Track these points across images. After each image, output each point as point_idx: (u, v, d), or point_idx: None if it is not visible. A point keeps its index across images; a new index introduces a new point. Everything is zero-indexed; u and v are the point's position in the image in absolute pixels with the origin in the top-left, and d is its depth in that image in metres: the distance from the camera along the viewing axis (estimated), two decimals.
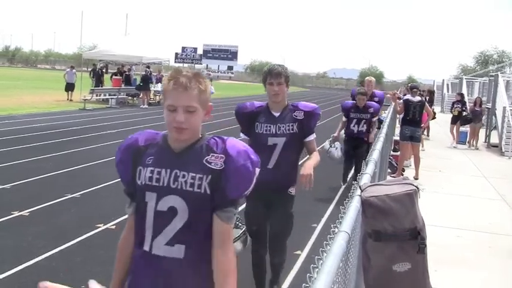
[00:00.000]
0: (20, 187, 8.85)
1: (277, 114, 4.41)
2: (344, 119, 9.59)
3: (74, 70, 29.22)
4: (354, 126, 9.35)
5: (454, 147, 17.81)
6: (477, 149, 17.93)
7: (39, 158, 11.46)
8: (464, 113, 18.36)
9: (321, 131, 6.91)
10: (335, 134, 9.49)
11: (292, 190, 4.55)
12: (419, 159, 11.80)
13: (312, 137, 4.45)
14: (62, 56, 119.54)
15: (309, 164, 4.19)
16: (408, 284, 2.77)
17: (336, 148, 9.09)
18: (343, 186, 9.96)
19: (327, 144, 9.26)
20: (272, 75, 4.32)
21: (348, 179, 10.02)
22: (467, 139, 18.50)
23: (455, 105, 18.86)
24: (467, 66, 71.19)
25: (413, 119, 11.57)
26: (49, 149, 12.62)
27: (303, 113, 4.39)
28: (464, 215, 8.71)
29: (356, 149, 9.31)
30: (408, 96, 11.98)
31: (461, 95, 20.59)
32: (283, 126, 4.37)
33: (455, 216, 8.57)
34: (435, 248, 5.56)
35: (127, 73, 30.05)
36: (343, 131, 9.72)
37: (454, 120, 18.53)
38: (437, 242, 6.35)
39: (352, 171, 9.84)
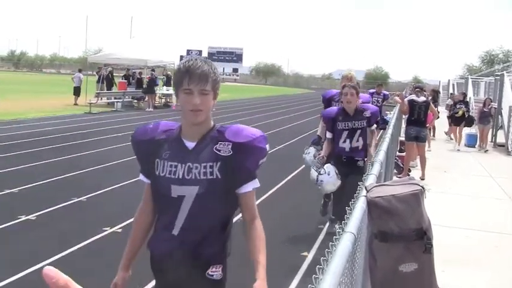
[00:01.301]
0: (26, 191, 8.88)
1: (191, 145, 2.50)
2: (329, 135, 6.64)
3: (81, 74, 29.29)
4: (344, 141, 6.49)
5: (458, 150, 16.90)
6: (486, 151, 17.02)
7: (45, 162, 11.50)
8: (466, 114, 17.52)
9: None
10: (322, 154, 6.68)
11: (215, 273, 2.59)
12: (425, 160, 11.78)
13: (250, 186, 2.54)
14: (67, 60, 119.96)
15: (260, 276, 2.46)
16: (415, 285, 2.77)
17: (329, 174, 6.25)
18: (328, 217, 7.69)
19: (313, 173, 6.38)
20: (192, 77, 2.41)
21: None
22: (478, 142, 17.58)
23: (457, 106, 17.78)
24: (473, 66, 71.04)
25: (418, 119, 11.55)
26: (55, 153, 12.66)
27: (230, 146, 2.47)
28: (471, 215, 8.69)
29: (348, 175, 6.20)
30: (413, 97, 11.97)
31: (464, 94, 20.10)
32: (196, 168, 2.47)
33: (462, 216, 8.55)
34: (442, 248, 5.54)
35: (138, 77, 30.02)
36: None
37: (457, 122, 17.61)
38: (444, 242, 6.34)
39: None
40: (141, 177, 2.68)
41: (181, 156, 2.50)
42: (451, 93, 22.71)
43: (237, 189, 2.51)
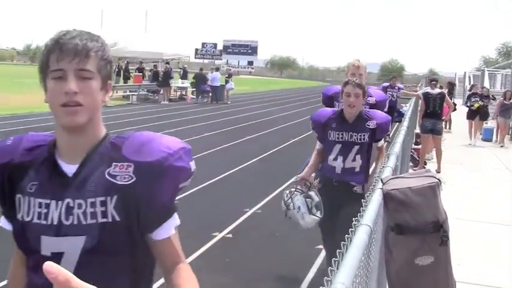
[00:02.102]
0: None
1: (71, 170, 1.57)
2: (318, 145, 4.88)
3: None
4: (336, 158, 4.68)
5: (470, 144, 16.13)
6: (502, 146, 16.36)
7: None
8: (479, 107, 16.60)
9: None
10: (301, 174, 4.91)
11: None
12: (441, 152, 11.70)
13: (169, 228, 1.64)
14: None
15: None
16: (431, 277, 2.75)
17: (299, 210, 4.59)
18: None
19: (283, 206, 4.70)
20: (64, 51, 1.52)
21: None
22: (497, 135, 17.00)
23: (472, 99, 16.80)
24: (490, 58, 70.47)
25: (434, 112, 11.48)
26: None
27: (132, 169, 1.57)
28: (487, 208, 8.62)
29: (341, 205, 4.51)
30: (428, 89, 11.90)
31: (474, 86, 19.57)
32: (80, 207, 1.54)
33: (479, 209, 8.48)
34: (458, 241, 5.51)
35: (155, 70, 30.10)
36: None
37: (472, 115, 16.59)
38: (460, 235, 6.29)
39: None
40: (2, 222, 1.69)
41: (56, 188, 1.55)
42: (473, 85, 21.16)
43: (149, 234, 1.60)
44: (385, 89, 14.97)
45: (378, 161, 4.76)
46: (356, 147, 4.64)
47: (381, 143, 4.81)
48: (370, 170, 4.93)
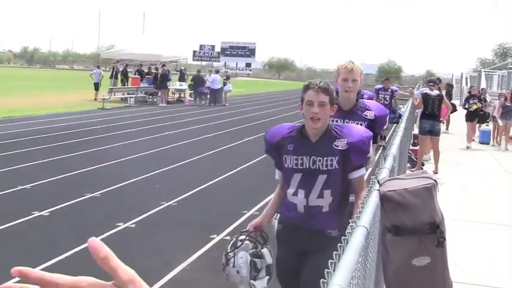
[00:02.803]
0: (39, 187, 8.93)
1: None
2: (277, 174, 3.61)
3: (99, 70, 29.40)
4: (296, 193, 3.42)
5: (468, 147, 15.61)
6: (507, 149, 15.71)
7: (58, 157, 11.55)
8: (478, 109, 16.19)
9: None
10: (254, 222, 3.73)
11: None
12: (438, 154, 11.72)
13: None
14: (80, 56, 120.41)
15: None
16: (428, 278, 2.75)
17: (238, 271, 3.41)
18: None
19: (223, 257, 3.53)
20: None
21: None
22: (494, 137, 16.51)
23: (471, 101, 16.34)
24: (486, 59, 70.59)
25: (432, 113, 11.52)
26: (68, 148, 12.72)
27: None
28: (484, 209, 8.63)
29: (307, 254, 3.41)
30: (426, 90, 11.92)
31: (472, 88, 18.66)
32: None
33: (476, 210, 8.49)
34: (455, 242, 5.51)
35: (155, 72, 30.04)
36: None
37: (471, 117, 16.15)
38: (457, 236, 6.30)
39: None
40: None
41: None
42: (471, 86, 20.39)
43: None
44: (377, 92, 14.49)
45: (357, 200, 3.40)
46: (322, 177, 3.34)
47: (360, 172, 3.43)
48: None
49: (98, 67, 30.12)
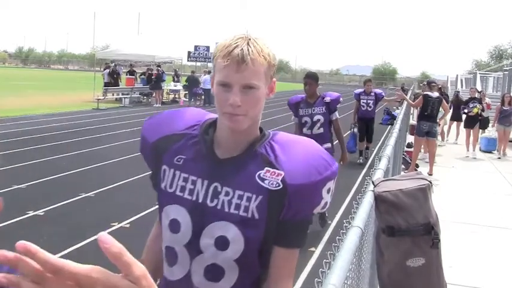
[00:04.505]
0: (34, 187, 8.91)
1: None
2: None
3: (108, 70, 29.23)
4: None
5: (474, 158, 14.31)
6: (505, 155, 14.88)
7: (53, 157, 11.53)
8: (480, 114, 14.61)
9: None
10: None
11: None
12: (434, 156, 11.69)
13: None
14: (75, 56, 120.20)
15: None
16: (422, 279, 2.76)
17: None
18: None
19: None
20: None
21: None
22: (497, 146, 15.21)
23: (471, 104, 14.67)
24: (482, 61, 70.76)
25: (431, 114, 11.35)
26: (63, 148, 12.69)
27: None
28: (479, 211, 8.65)
29: None
30: (427, 92, 11.83)
31: (472, 89, 16.35)
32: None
33: (470, 212, 8.52)
34: (449, 244, 5.53)
35: (150, 72, 29.87)
36: None
37: (471, 123, 14.62)
38: (451, 237, 6.32)
39: None
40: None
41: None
42: (471, 88, 17.55)
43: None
44: (357, 97, 12.75)
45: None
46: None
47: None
48: None
49: (109, 67, 29.97)
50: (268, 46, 1.62)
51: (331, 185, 1.64)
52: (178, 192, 1.65)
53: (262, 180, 1.57)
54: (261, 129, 1.70)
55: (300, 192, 1.55)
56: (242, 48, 1.54)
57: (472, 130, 14.61)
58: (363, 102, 12.59)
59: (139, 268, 0.68)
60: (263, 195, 1.56)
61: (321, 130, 6.90)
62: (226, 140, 1.65)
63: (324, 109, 6.94)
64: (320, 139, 5.94)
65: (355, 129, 12.74)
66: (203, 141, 1.68)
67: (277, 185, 1.56)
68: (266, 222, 1.56)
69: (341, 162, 6.98)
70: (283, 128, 19.77)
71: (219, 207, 1.59)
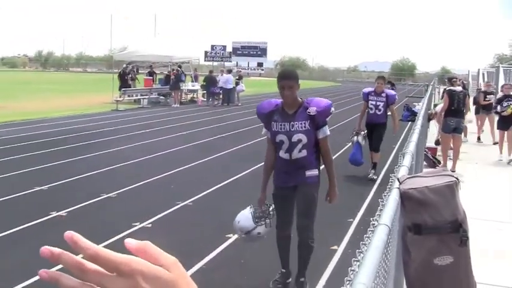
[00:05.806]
0: (56, 188, 8.97)
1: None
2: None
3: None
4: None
5: (501, 160, 12.65)
6: None
7: (74, 159, 11.60)
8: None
9: None
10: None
11: None
12: (459, 152, 11.49)
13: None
14: (93, 58, 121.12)
15: None
16: (451, 278, 2.72)
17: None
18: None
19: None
20: None
21: None
22: None
23: (505, 103, 12.62)
24: (504, 55, 69.91)
25: (458, 109, 11.11)
26: (84, 150, 12.76)
27: None
28: (504, 208, 8.54)
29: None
30: (450, 87, 11.67)
31: (505, 86, 14.10)
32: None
33: (496, 209, 8.41)
34: (476, 241, 5.45)
35: (167, 73, 29.86)
36: None
37: (505, 124, 12.60)
38: (477, 235, 6.23)
39: None
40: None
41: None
42: (504, 84, 15.27)
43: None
44: (366, 98, 10.50)
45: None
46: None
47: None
48: None
49: (126, 68, 30.04)
50: None
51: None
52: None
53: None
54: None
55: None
56: None
57: (506, 132, 12.60)
58: (371, 104, 10.31)
59: (169, 257, 0.67)
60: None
61: (303, 153, 4.95)
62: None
63: (307, 124, 4.93)
64: (301, 166, 4.96)
65: (359, 137, 10.26)
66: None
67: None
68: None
69: (327, 200, 5.24)
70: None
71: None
